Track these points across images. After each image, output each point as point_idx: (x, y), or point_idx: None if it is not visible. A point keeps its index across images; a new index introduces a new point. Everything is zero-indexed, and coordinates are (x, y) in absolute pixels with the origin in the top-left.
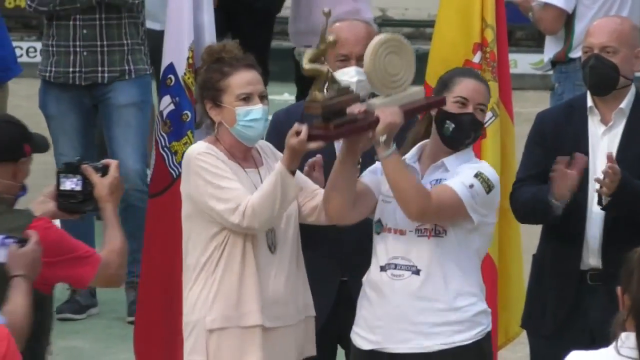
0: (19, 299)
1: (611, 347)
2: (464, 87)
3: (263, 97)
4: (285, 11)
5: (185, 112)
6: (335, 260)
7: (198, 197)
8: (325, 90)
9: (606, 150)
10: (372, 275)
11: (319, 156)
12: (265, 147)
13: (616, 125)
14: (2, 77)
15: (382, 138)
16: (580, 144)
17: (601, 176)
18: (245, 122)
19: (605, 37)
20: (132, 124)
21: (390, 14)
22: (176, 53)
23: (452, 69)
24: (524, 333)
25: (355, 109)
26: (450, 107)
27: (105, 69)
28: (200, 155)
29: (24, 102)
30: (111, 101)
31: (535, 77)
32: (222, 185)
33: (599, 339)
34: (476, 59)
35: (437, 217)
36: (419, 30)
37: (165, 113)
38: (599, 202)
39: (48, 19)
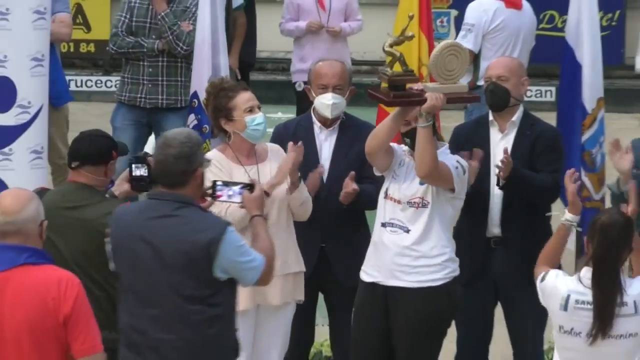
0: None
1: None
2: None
3: (259, 108)
4: (279, 54)
5: (205, 126)
6: (317, 231)
7: None
8: (393, 69)
9: (503, 151)
10: (376, 229)
11: (321, 166)
12: (275, 149)
13: (509, 133)
14: (57, 102)
15: (425, 113)
16: (484, 146)
17: (500, 164)
18: (254, 126)
19: (500, 69)
20: None
21: (353, 56)
22: (199, 83)
23: None
24: None
25: (414, 87)
26: (402, 128)
27: (164, 97)
28: None
29: (94, 119)
30: (161, 127)
31: None
32: None
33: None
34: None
35: (436, 180)
36: (374, 67)
37: (190, 127)
38: (497, 184)
39: (125, 59)
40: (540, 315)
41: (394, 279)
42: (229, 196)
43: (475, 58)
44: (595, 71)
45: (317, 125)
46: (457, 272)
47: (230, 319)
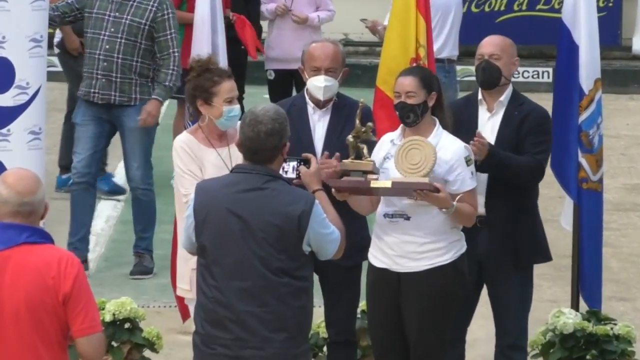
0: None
1: None
2: (397, 83)
3: (237, 99)
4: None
5: None
6: None
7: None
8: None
9: (490, 131)
10: (378, 218)
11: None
12: None
13: (497, 112)
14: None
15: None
16: (472, 125)
17: (473, 147)
18: (229, 116)
19: (492, 47)
20: (138, 141)
21: (351, 37)
22: None
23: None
24: None
25: (369, 177)
26: (394, 100)
27: (117, 94)
28: (177, 147)
29: None
30: (123, 123)
31: None
32: (183, 174)
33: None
34: None
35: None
36: (372, 48)
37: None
38: (475, 165)
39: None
40: (524, 296)
41: (403, 266)
42: (285, 172)
43: None
44: (592, 52)
45: (310, 105)
46: (464, 249)
47: (312, 292)
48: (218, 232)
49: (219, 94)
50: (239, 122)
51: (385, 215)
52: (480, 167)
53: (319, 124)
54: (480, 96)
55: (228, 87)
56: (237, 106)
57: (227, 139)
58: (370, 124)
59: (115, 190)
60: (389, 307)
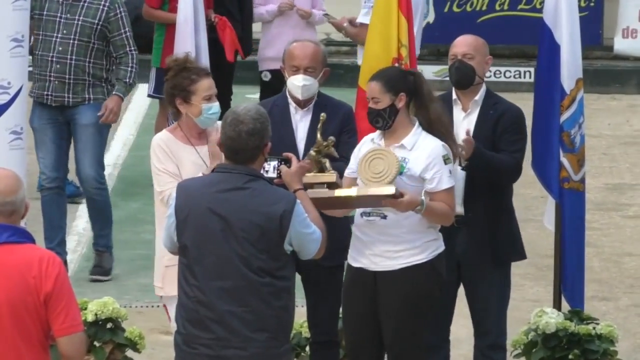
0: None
1: None
2: (367, 89)
3: (215, 96)
4: (257, 35)
5: None
6: None
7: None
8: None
9: (465, 132)
10: (356, 217)
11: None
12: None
13: (472, 112)
14: None
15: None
16: None
17: (462, 144)
18: (209, 114)
19: (465, 47)
20: (90, 140)
21: (333, 36)
22: None
23: None
24: None
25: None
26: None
27: (70, 95)
28: (155, 145)
29: None
30: (76, 120)
31: (436, 81)
32: (159, 172)
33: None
34: None
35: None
36: (354, 48)
37: None
38: (460, 164)
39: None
40: (503, 295)
41: (379, 265)
42: (266, 172)
43: None
44: (574, 52)
45: (292, 105)
46: (441, 249)
47: (294, 292)
48: (199, 232)
49: (197, 92)
50: (220, 122)
51: (363, 214)
52: (466, 167)
53: (301, 124)
54: (454, 96)
55: (206, 85)
56: (216, 103)
57: (206, 137)
58: (332, 137)
59: (76, 194)
60: (365, 307)
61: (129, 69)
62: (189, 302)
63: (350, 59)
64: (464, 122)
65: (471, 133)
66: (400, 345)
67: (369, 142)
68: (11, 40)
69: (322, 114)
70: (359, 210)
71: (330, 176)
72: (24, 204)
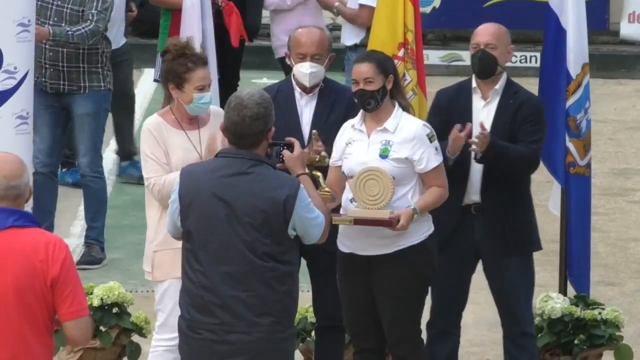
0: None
1: None
2: (354, 71)
3: (209, 86)
4: (264, 19)
5: None
6: None
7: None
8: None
9: (485, 119)
10: (344, 203)
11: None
12: (216, 111)
13: (492, 101)
14: None
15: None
16: (465, 113)
17: (476, 140)
18: (199, 103)
19: (488, 37)
20: (86, 129)
21: (339, 21)
22: None
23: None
24: None
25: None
26: (353, 87)
27: (66, 82)
28: (145, 130)
29: None
30: (73, 110)
31: (442, 66)
32: (146, 158)
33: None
34: (400, 53)
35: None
36: None
37: None
38: (475, 157)
39: None
40: (526, 283)
41: (371, 249)
42: (269, 157)
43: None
44: (580, 36)
45: (297, 91)
46: (431, 230)
47: (297, 277)
48: (203, 217)
49: (191, 80)
50: (223, 109)
51: (352, 200)
52: (481, 160)
53: (306, 109)
54: (474, 84)
55: (201, 75)
56: (208, 94)
57: (197, 122)
58: (324, 153)
59: (79, 182)
60: (363, 293)
61: (82, 28)
62: (193, 288)
63: None
64: (484, 110)
65: (490, 121)
66: (398, 328)
67: (349, 129)
68: (17, 25)
69: (314, 131)
70: (346, 197)
71: (326, 195)
72: (28, 188)
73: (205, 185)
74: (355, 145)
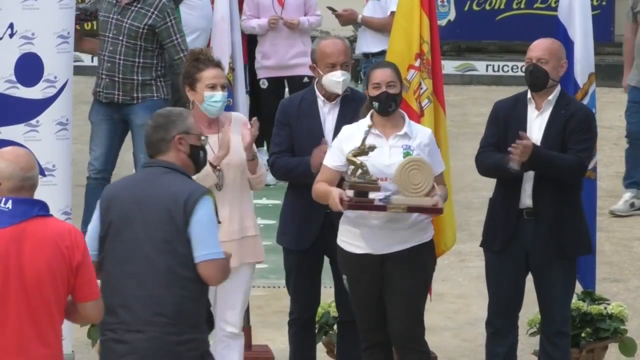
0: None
1: None
2: (375, 75)
3: (224, 87)
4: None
5: (229, 99)
6: None
7: None
8: (356, 176)
9: (538, 128)
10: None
11: (325, 141)
12: (238, 118)
13: (545, 111)
14: None
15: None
16: (521, 123)
17: (515, 149)
18: (210, 102)
19: (540, 52)
20: (142, 139)
21: (344, 32)
22: (223, 61)
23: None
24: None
25: (377, 195)
26: (372, 92)
27: (120, 93)
28: None
29: None
30: (130, 120)
31: (456, 76)
32: None
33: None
34: (417, 63)
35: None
36: None
37: None
38: (515, 166)
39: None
40: (568, 286)
41: (387, 248)
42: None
43: None
44: (587, 47)
45: (320, 99)
46: (432, 230)
47: (204, 284)
48: (117, 222)
49: (202, 79)
50: (234, 113)
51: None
52: (524, 167)
53: (329, 117)
54: (529, 95)
55: (212, 73)
56: (219, 92)
57: (217, 126)
58: (372, 143)
59: None
60: (375, 287)
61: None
62: (103, 290)
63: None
64: (537, 120)
65: (542, 131)
66: (409, 323)
67: (363, 133)
68: (57, 37)
69: (254, 118)
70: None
71: (375, 187)
72: (38, 180)
73: (122, 194)
74: (375, 150)
